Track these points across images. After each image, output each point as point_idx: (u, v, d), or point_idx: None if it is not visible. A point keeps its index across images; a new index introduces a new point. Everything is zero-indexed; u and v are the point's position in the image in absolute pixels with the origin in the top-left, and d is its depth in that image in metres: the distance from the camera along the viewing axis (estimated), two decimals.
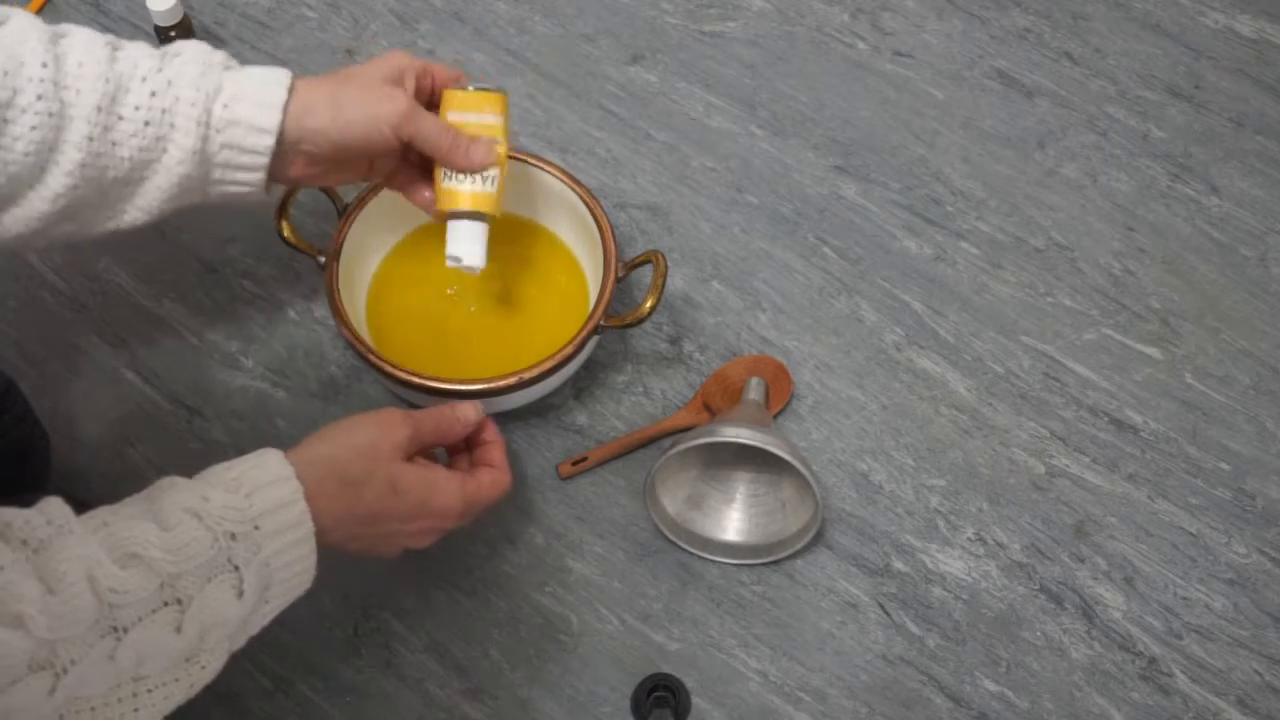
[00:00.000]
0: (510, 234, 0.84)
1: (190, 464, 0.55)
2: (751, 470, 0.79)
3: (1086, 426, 0.84)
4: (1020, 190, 0.94)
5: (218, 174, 0.62)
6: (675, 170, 0.94)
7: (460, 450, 0.68)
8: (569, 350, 0.73)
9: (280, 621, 0.74)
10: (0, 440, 0.71)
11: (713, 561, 0.78)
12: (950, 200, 0.93)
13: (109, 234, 0.63)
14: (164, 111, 0.58)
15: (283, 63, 0.97)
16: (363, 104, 0.62)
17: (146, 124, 0.58)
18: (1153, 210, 0.94)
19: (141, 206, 0.61)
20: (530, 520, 0.79)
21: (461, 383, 0.72)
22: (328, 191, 0.78)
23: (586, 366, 0.83)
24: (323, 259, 0.76)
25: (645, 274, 0.86)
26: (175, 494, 0.51)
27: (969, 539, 0.79)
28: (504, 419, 0.82)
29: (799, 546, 0.75)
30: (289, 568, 0.54)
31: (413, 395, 0.75)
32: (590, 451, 0.80)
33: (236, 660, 0.74)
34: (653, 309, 0.74)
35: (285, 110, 0.61)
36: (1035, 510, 0.80)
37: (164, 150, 0.59)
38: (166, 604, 0.48)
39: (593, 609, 0.76)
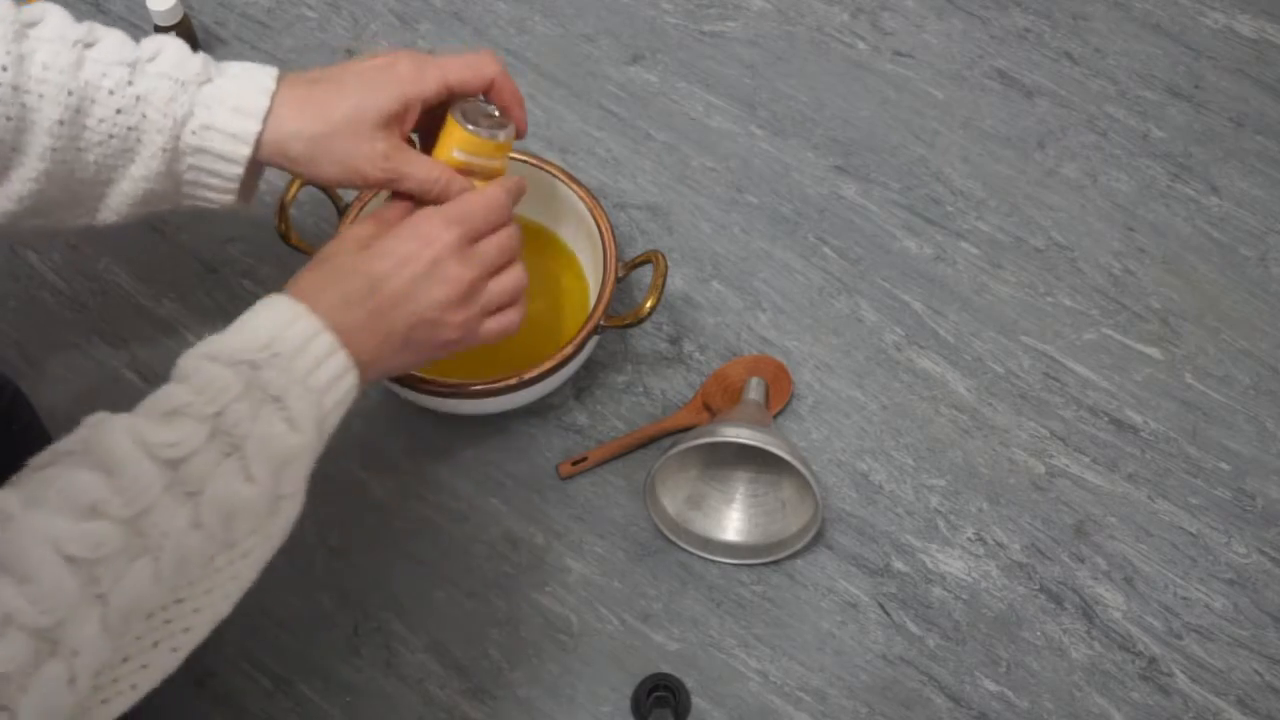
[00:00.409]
0: None
1: None
2: (751, 470, 0.79)
3: (1086, 426, 0.84)
4: (1020, 190, 0.94)
5: (186, 189, 0.61)
6: (675, 170, 0.94)
7: None
8: (569, 350, 0.73)
9: (280, 622, 0.75)
10: (8, 449, 0.70)
11: (713, 561, 0.78)
12: (950, 200, 0.93)
13: (83, 229, 0.62)
14: (130, 129, 0.57)
15: (283, 63, 0.97)
16: (342, 156, 0.58)
17: (111, 137, 0.57)
18: (1153, 210, 0.94)
19: (111, 208, 0.61)
20: (530, 520, 0.79)
21: (461, 382, 0.72)
22: (328, 191, 0.78)
23: (586, 366, 0.83)
24: None
25: (645, 274, 0.86)
26: (186, 355, 0.50)
27: (969, 539, 0.79)
28: (504, 419, 0.82)
29: (799, 546, 0.75)
30: (334, 386, 0.52)
31: (412, 394, 0.75)
32: (590, 451, 0.80)
33: (236, 660, 0.74)
34: (653, 309, 0.74)
35: (258, 141, 0.58)
36: (1035, 510, 0.80)
37: (131, 161, 0.58)
38: (228, 454, 0.48)
39: (593, 609, 0.76)
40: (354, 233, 0.58)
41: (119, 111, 0.56)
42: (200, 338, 0.88)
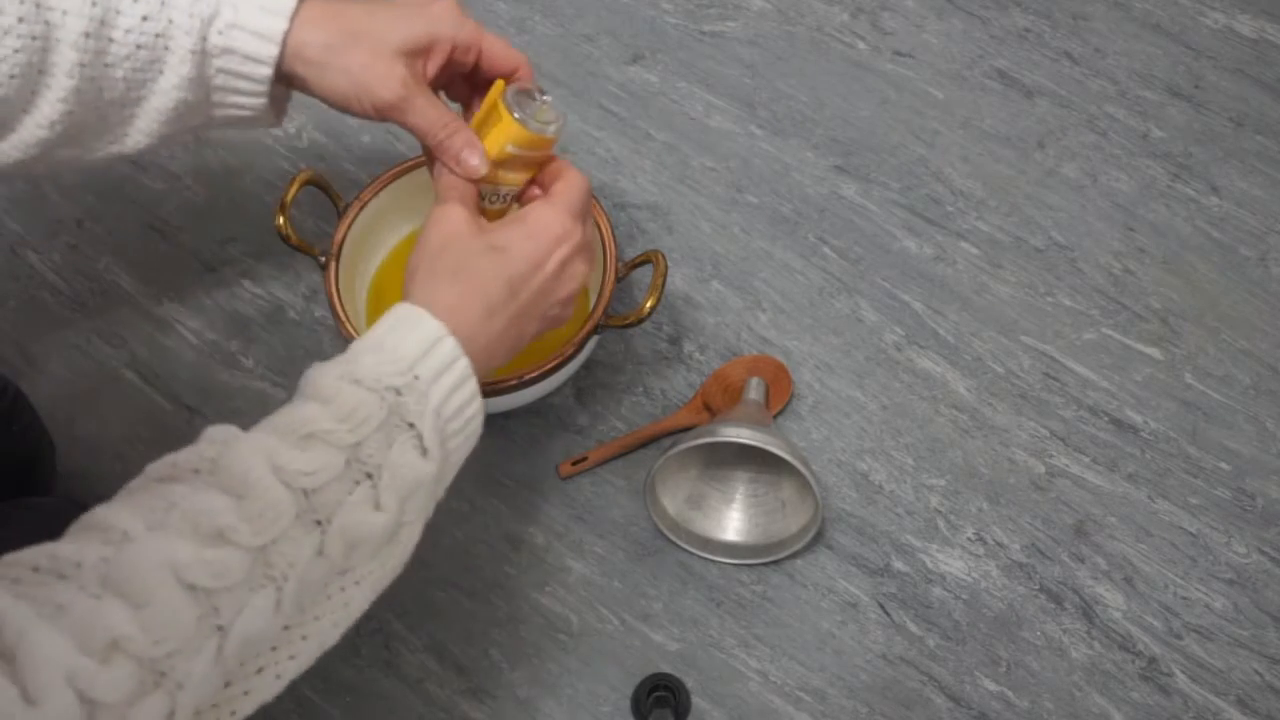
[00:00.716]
0: None
1: None
2: (751, 470, 0.79)
3: (1086, 426, 0.84)
4: (1020, 190, 0.94)
5: (217, 97, 0.59)
6: (675, 170, 0.94)
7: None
8: (569, 350, 0.73)
9: None
10: (9, 449, 0.70)
11: (713, 561, 0.78)
12: (950, 200, 0.93)
13: (114, 158, 0.60)
14: (157, 36, 0.55)
15: None
16: (356, 68, 0.57)
17: (139, 47, 0.55)
18: (1153, 210, 0.94)
19: (142, 129, 0.59)
20: (530, 520, 0.79)
21: None
22: (327, 191, 0.78)
23: (586, 366, 0.83)
24: (323, 259, 0.76)
25: (645, 274, 0.86)
26: (324, 372, 0.49)
27: (969, 539, 0.79)
28: (504, 419, 0.82)
29: (799, 546, 0.75)
30: (461, 413, 0.52)
31: None
32: (590, 451, 0.80)
33: None
34: (653, 309, 0.73)
35: (284, 42, 0.57)
36: (1035, 510, 0.80)
37: (160, 73, 0.57)
38: (358, 482, 0.46)
39: (593, 609, 0.76)
40: (462, 226, 0.56)
41: (145, 19, 0.55)
42: (200, 338, 0.89)
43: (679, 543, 0.78)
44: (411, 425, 0.49)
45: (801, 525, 0.75)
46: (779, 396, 0.83)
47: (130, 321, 0.85)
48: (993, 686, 0.75)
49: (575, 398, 0.83)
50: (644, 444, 0.81)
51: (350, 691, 0.73)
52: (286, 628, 0.45)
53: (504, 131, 0.59)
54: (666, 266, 0.74)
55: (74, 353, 0.84)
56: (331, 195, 0.78)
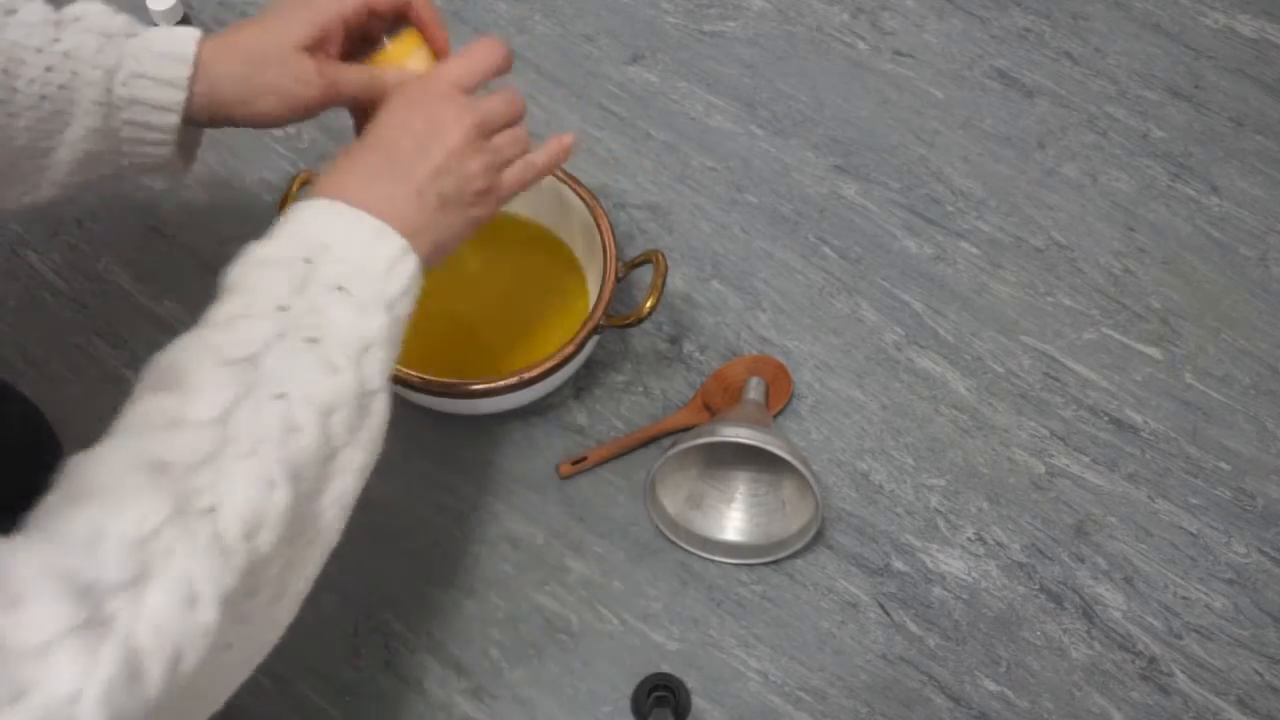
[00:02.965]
0: (510, 234, 0.84)
1: None
2: (751, 470, 0.79)
3: (1086, 426, 0.84)
4: (1020, 190, 0.94)
5: (126, 147, 0.60)
6: (675, 170, 0.94)
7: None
8: (569, 350, 0.73)
9: None
10: (30, 483, 0.70)
11: (713, 561, 0.78)
12: (950, 200, 0.93)
13: (28, 207, 0.61)
14: (61, 88, 0.56)
15: None
16: (274, 86, 0.58)
17: (43, 98, 0.56)
18: (1153, 210, 0.94)
19: (54, 180, 0.59)
20: (530, 520, 0.79)
21: (462, 382, 0.72)
22: None
23: (586, 366, 0.83)
24: None
25: (645, 274, 0.86)
26: (231, 269, 0.49)
27: (969, 539, 0.79)
28: (504, 419, 0.82)
29: (799, 546, 0.75)
30: (396, 267, 0.51)
31: (412, 394, 0.75)
32: (590, 451, 0.80)
33: None
34: (653, 309, 0.74)
35: (189, 87, 0.58)
36: (1035, 510, 0.80)
37: (66, 124, 0.57)
38: (302, 350, 0.46)
39: (593, 609, 0.76)
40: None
41: (48, 69, 0.55)
42: None
43: (679, 543, 0.78)
44: (341, 288, 0.49)
45: (801, 525, 0.75)
46: (779, 396, 0.83)
47: (130, 321, 0.85)
48: (993, 686, 0.75)
49: (575, 398, 0.83)
50: (644, 444, 0.81)
51: (350, 691, 0.73)
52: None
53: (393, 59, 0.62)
54: (666, 266, 0.74)
55: (74, 353, 0.84)
56: None
